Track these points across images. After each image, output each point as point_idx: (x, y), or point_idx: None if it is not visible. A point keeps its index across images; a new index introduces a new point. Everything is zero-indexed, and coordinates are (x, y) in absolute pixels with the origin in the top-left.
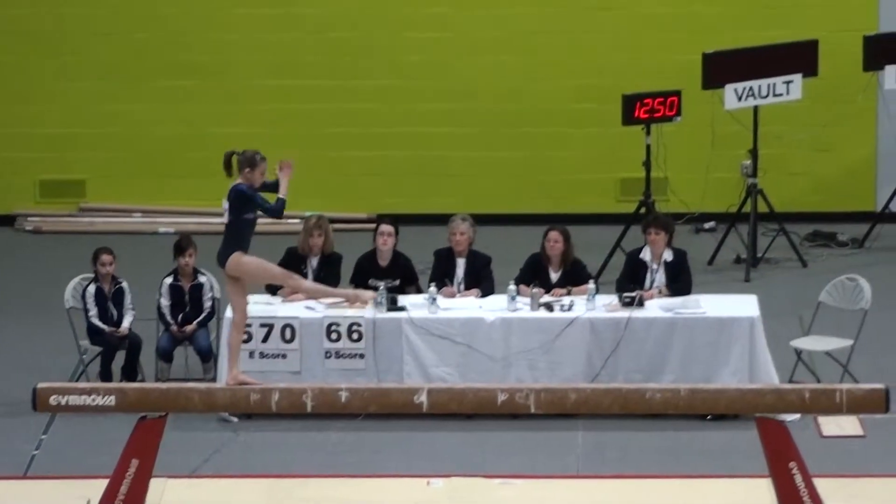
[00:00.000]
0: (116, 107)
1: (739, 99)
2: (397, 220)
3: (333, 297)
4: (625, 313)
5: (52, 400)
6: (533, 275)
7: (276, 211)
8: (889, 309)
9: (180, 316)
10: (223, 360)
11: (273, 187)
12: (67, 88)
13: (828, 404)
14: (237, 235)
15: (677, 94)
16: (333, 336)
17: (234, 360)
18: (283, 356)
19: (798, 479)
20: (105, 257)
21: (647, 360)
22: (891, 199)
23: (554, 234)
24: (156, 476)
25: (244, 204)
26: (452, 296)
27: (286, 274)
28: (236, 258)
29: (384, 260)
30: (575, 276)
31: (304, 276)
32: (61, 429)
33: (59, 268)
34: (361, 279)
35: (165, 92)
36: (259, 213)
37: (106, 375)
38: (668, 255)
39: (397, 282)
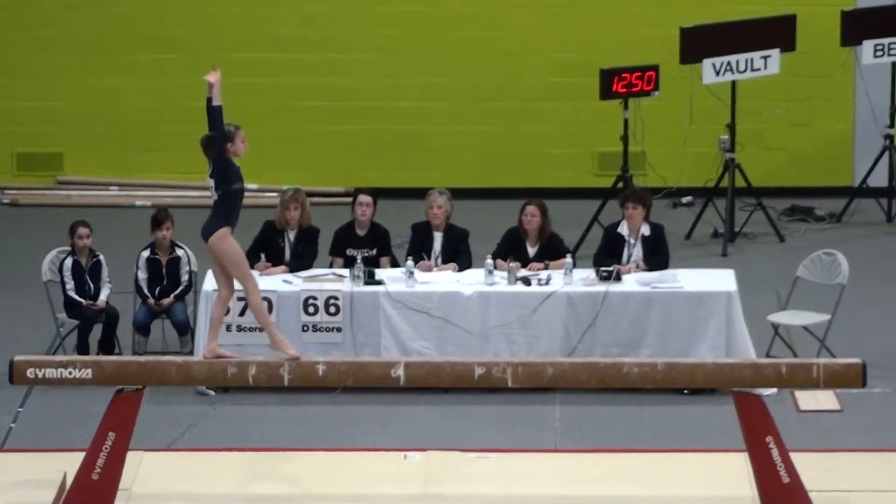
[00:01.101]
0: (93, 80)
1: (717, 74)
2: (376, 193)
3: (266, 327)
4: (602, 287)
5: (29, 373)
6: (510, 249)
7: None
8: (866, 284)
9: (157, 289)
10: (200, 334)
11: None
12: (44, 61)
13: (805, 379)
14: (225, 209)
15: (655, 68)
16: (310, 310)
17: (214, 334)
18: (261, 330)
19: (775, 453)
20: (82, 230)
21: (625, 334)
22: (868, 173)
23: (531, 209)
24: (132, 449)
25: (226, 174)
26: (429, 269)
27: (250, 276)
28: (223, 234)
29: (362, 229)
30: (552, 251)
31: (282, 249)
32: (38, 402)
33: (37, 241)
34: (339, 249)
35: (142, 65)
36: (244, 185)
37: (83, 348)
38: (645, 230)
39: (374, 251)
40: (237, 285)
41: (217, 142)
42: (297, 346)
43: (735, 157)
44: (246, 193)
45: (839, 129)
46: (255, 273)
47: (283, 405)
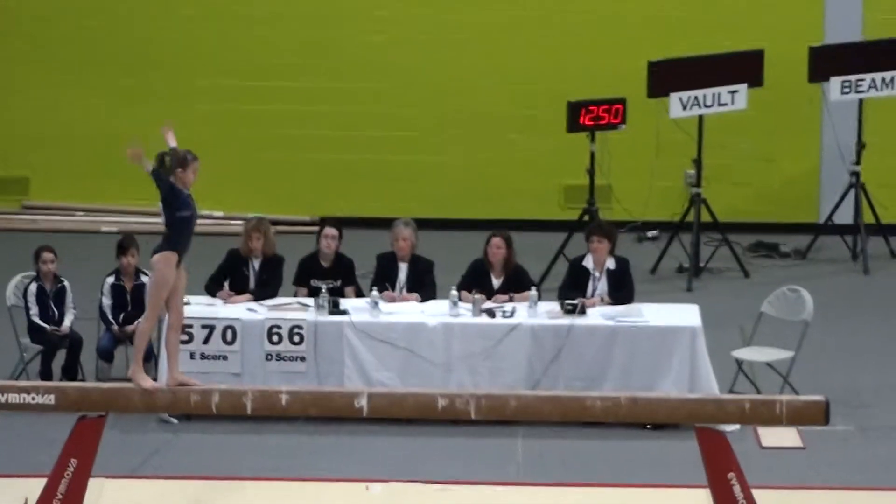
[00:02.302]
0: (63, 100)
1: (684, 108)
2: (341, 223)
3: (136, 353)
4: (566, 321)
5: None
6: (475, 280)
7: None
8: (830, 321)
9: (122, 316)
10: (163, 361)
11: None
12: (11, 84)
13: (768, 415)
14: (172, 235)
15: (622, 101)
16: (275, 338)
17: (174, 362)
18: (224, 358)
19: (737, 489)
20: (47, 255)
21: (588, 368)
22: (833, 210)
23: (496, 241)
24: (94, 476)
25: (172, 201)
26: (394, 300)
27: (157, 309)
28: (166, 257)
29: (326, 261)
30: (517, 283)
31: (247, 278)
32: (0, 427)
33: (1, 266)
34: (304, 279)
35: (115, 87)
36: (196, 212)
37: (46, 374)
38: (610, 264)
39: (339, 282)
40: (196, 300)
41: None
42: (151, 379)
43: (701, 191)
44: (211, 221)
45: (806, 166)
46: (218, 302)
47: (246, 434)
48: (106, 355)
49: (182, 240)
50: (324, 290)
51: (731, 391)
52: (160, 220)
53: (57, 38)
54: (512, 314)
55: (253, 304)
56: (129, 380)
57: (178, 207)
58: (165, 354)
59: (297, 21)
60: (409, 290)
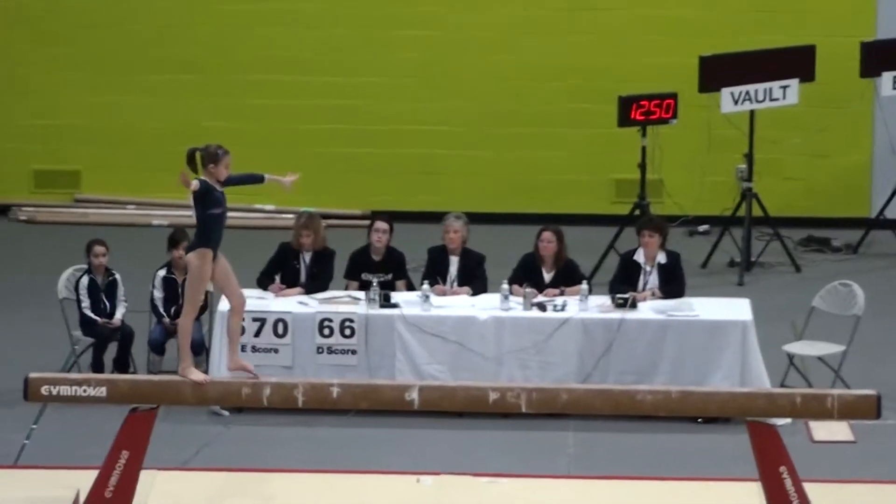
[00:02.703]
0: (110, 98)
1: (736, 103)
2: (392, 217)
3: (182, 348)
4: (617, 314)
5: (44, 390)
6: (526, 274)
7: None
8: (882, 315)
9: (173, 309)
10: (215, 354)
11: (238, 180)
12: (62, 80)
13: (819, 409)
14: (203, 232)
15: (674, 96)
16: (326, 332)
17: (235, 347)
18: (276, 351)
19: (788, 483)
20: (98, 248)
21: (639, 361)
22: (886, 205)
23: (547, 235)
24: (146, 468)
25: (203, 198)
26: (444, 293)
27: (195, 302)
28: (199, 254)
29: (378, 255)
30: (568, 277)
31: (298, 271)
32: (52, 419)
33: (53, 258)
34: (355, 273)
35: (159, 85)
36: (226, 208)
37: (98, 367)
38: (661, 258)
39: (389, 276)
40: (247, 293)
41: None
42: (202, 372)
43: (752, 186)
44: (262, 215)
45: (857, 161)
46: (269, 294)
47: (297, 427)
48: (157, 348)
49: (214, 236)
50: (375, 284)
51: (782, 385)
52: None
53: (103, 42)
54: (563, 308)
55: (304, 298)
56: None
57: (209, 206)
58: (227, 340)
59: (341, 17)
60: (460, 284)
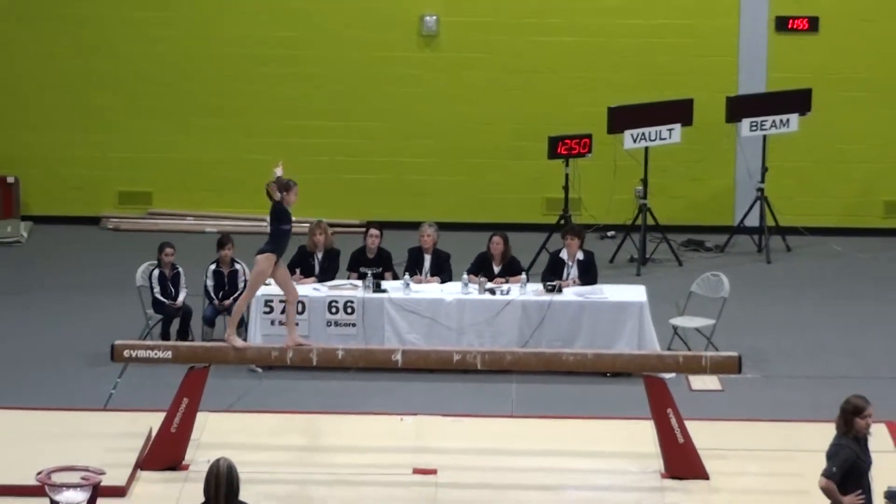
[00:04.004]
0: (175, 138)
1: (634, 141)
2: (382, 225)
3: (230, 325)
4: (548, 297)
5: (125, 353)
6: (480, 268)
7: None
8: (742, 297)
9: (221, 293)
10: (252, 327)
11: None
12: (140, 124)
13: (696, 366)
14: (275, 241)
15: (589, 136)
16: (333, 310)
17: (292, 328)
18: (296, 324)
19: (673, 421)
20: (167, 249)
21: (564, 332)
22: (745, 216)
23: (497, 238)
24: (201, 411)
25: (279, 217)
26: (420, 282)
27: (252, 293)
28: (267, 257)
29: (371, 253)
30: (511, 270)
31: (313, 266)
32: (131, 375)
33: (132, 257)
34: (354, 266)
35: (210, 128)
36: (292, 225)
37: (165, 336)
38: (580, 255)
39: (380, 269)
40: (267, 290)
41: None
42: (242, 340)
43: (647, 202)
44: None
45: (724, 183)
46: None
47: (313, 380)
48: (209, 322)
49: (281, 245)
50: (370, 275)
51: (669, 349)
52: (253, 223)
53: (172, 97)
54: (507, 293)
55: (317, 285)
56: (225, 340)
57: (282, 222)
58: (287, 322)
59: (344, 77)
60: (432, 275)
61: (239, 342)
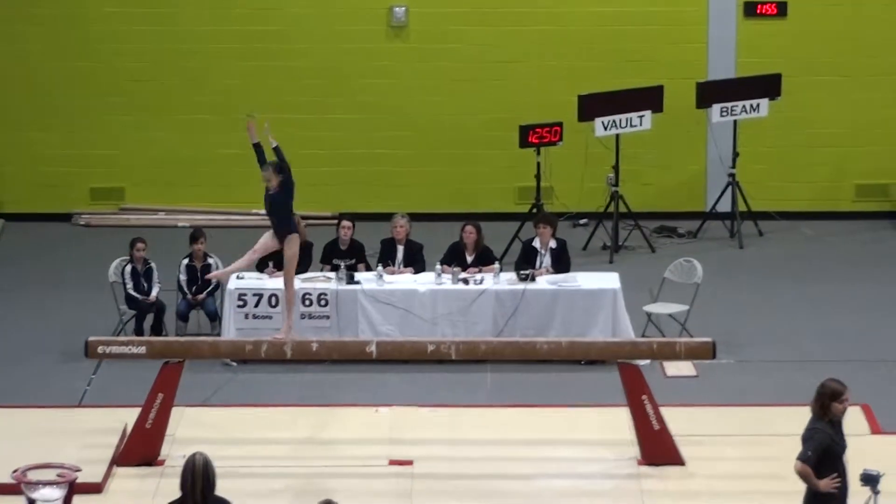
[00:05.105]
0: (147, 134)
1: (605, 128)
2: (354, 217)
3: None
4: (521, 286)
5: (100, 349)
6: (453, 257)
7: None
8: (715, 283)
9: (194, 288)
10: (226, 320)
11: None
12: (112, 120)
13: (670, 352)
14: (290, 219)
15: (560, 124)
16: (307, 302)
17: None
18: (270, 317)
19: (648, 407)
20: (139, 244)
21: (538, 320)
22: (716, 202)
23: (469, 228)
24: (176, 405)
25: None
26: (393, 273)
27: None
28: (295, 238)
29: (344, 245)
30: (484, 259)
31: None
32: (106, 371)
33: (104, 252)
34: (327, 258)
35: (183, 123)
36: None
37: (139, 332)
38: (553, 244)
39: (353, 261)
40: (248, 275)
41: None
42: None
43: (619, 189)
44: (258, 216)
45: (695, 169)
46: (265, 276)
47: (287, 373)
48: (182, 317)
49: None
50: (342, 267)
51: (643, 335)
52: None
53: (145, 92)
54: (481, 282)
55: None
56: (199, 334)
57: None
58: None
59: (320, 71)
60: (405, 266)
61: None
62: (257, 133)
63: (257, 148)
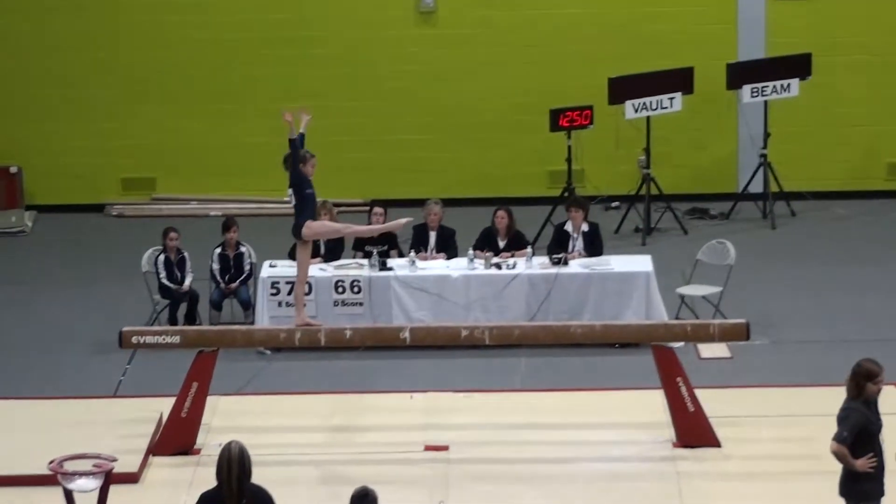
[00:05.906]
0: (177, 123)
1: (636, 111)
2: (386, 203)
3: (380, 230)
4: (554, 270)
5: (134, 339)
6: (486, 242)
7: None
8: (748, 264)
9: (227, 276)
10: (259, 309)
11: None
12: (143, 111)
13: (704, 335)
14: (305, 209)
15: (590, 108)
16: (340, 290)
17: (300, 307)
18: (304, 305)
19: (683, 390)
20: (172, 234)
21: (571, 304)
22: (748, 183)
23: (501, 213)
24: (211, 394)
25: (301, 183)
26: (426, 259)
27: (344, 225)
28: (308, 225)
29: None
30: (517, 243)
31: (318, 246)
32: (140, 361)
33: (137, 242)
34: (360, 245)
35: (212, 113)
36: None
37: (173, 321)
38: (585, 227)
39: (386, 247)
40: (280, 263)
41: (292, 162)
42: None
43: (650, 171)
44: (286, 206)
45: (726, 150)
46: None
47: (321, 361)
48: (216, 306)
49: (312, 210)
50: (375, 253)
51: (676, 318)
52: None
53: (173, 83)
54: (513, 267)
55: (323, 265)
56: (232, 323)
57: (305, 187)
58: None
59: (347, 58)
60: (438, 251)
61: (311, 322)
62: (297, 125)
63: (302, 139)
